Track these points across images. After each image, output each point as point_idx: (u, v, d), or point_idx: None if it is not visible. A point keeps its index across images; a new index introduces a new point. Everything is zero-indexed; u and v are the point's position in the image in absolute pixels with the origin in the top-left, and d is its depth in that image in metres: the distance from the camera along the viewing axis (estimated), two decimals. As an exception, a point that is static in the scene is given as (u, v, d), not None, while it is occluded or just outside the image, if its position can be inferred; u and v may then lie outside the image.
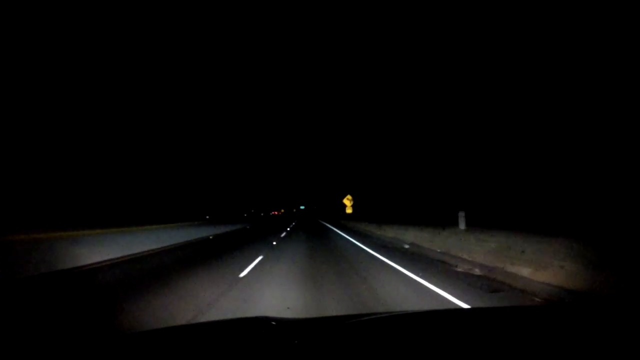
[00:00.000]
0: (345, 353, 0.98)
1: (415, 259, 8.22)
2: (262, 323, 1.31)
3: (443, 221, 15.43)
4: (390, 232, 14.89)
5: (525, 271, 5.39)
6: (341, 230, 20.36)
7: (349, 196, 36.38)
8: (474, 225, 12.57)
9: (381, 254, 8.97)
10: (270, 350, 1.00)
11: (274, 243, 12.17)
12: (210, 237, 15.03)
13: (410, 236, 12.40)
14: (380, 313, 1.86)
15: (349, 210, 35.78)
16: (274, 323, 1.28)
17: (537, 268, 5.37)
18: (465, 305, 4.01)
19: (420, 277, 5.80)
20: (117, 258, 8.42)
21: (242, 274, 6.31)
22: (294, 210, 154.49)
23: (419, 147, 43.60)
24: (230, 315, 3.72)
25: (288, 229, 22.58)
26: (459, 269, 6.55)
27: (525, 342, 1.02)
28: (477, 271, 6.23)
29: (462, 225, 12.20)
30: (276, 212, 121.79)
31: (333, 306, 4.08)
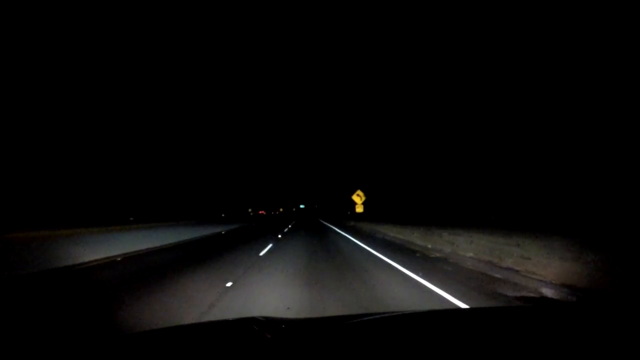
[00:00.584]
0: (345, 353, 0.96)
1: None
2: (261, 323, 1.23)
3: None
4: (466, 249, 7.86)
5: None
6: (361, 241, 13.23)
7: (359, 192, 29.35)
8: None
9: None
10: (270, 350, 0.98)
11: (228, 285, 5.13)
12: (144, 252, 8.08)
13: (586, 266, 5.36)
14: (380, 313, 1.59)
15: (359, 209, 28.76)
16: (273, 323, 1.24)
17: None
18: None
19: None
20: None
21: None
22: (294, 209, 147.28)
23: (446, 134, 36.60)
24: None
25: (279, 236, 15.53)
26: None
27: (525, 342, 1.00)
28: None
29: None
30: (263, 212, 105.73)
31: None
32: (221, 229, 20.50)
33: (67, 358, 0.99)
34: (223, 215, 64.01)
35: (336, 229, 20.68)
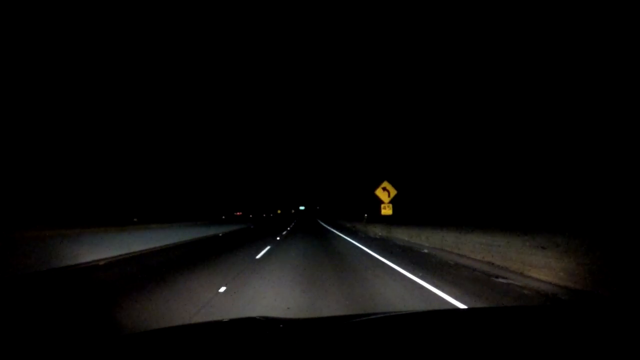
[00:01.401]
0: (344, 353, 0.95)
1: None
2: (261, 323, 1.24)
3: None
4: None
5: None
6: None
7: (386, 184, 19.24)
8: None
9: None
10: (270, 350, 0.96)
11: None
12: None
13: None
14: (380, 313, 1.59)
15: (386, 211, 18.66)
16: (273, 323, 1.23)
17: None
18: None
19: None
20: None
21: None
22: (292, 211, 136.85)
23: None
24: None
25: (233, 276, 5.58)
26: None
27: (524, 342, 0.99)
28: None
29: None
30: (240, 213, 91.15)
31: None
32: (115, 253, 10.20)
33: (67, 358, 0.98)
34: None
35: (372, 253, 10.65)
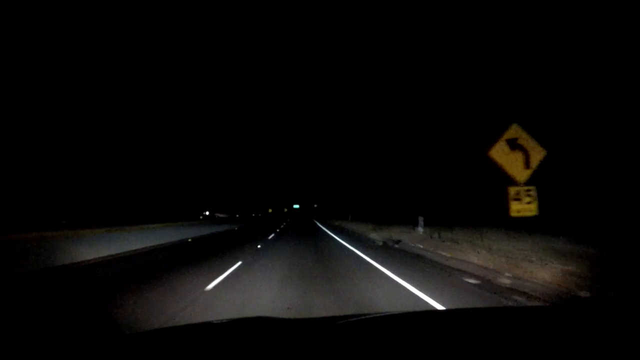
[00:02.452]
0: (344, 353, 0.95)
1: None
2: (261, 323, 1.28)
3: None
4: None
5: None
6: None
7: (517, 131, 6.28)
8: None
9: None
10: (270, 350, 0.98)
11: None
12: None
13: None
14: (381, 313, 1.66)
15: (523, 208, 5.97)
16: (273, 323, 1.26)
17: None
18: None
19: None
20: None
21: None
22: (285, 209, 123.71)
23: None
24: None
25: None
26: None
27: (518, 343, 0.98)
28: None
29: None
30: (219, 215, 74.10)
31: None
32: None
33: (67, 358, 0.97)
34: None
35: None
